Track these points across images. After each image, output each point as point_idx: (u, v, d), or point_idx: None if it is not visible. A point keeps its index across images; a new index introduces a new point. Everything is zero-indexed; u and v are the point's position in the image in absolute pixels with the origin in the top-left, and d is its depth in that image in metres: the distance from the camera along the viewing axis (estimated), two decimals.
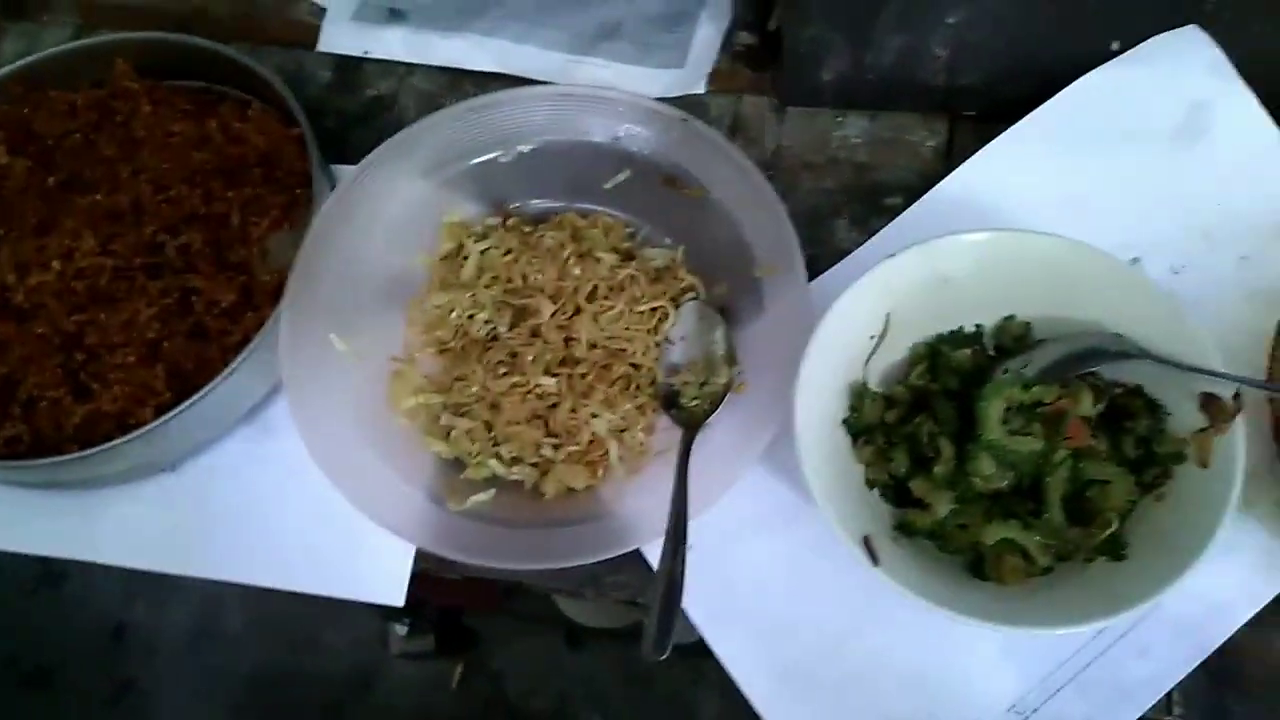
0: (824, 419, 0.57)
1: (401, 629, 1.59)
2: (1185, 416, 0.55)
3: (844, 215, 0.68)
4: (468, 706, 1.59)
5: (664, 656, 0.50)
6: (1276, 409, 0.54)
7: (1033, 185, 0.66)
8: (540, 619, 1.48)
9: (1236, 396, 0.53)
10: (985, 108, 0.68)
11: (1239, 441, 0.52)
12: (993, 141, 0.66)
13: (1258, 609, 0.56)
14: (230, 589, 0.62)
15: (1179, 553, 0.50)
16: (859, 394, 0.58)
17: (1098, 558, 0.54)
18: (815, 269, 0.66)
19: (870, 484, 0.58)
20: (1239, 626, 0.56)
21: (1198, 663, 0.55)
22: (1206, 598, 0.56)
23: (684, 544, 0.54)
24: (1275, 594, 0.56)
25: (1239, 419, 0.52)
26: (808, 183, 0.70)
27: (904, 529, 0.56)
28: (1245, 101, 0.64)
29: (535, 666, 1.54)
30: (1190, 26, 0.63)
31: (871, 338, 0.59)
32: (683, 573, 0.53)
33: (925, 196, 0.67)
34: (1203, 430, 0.53)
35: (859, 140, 0.71)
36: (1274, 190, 0.64)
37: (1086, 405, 0.56)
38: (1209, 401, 0.54)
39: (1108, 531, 0.54)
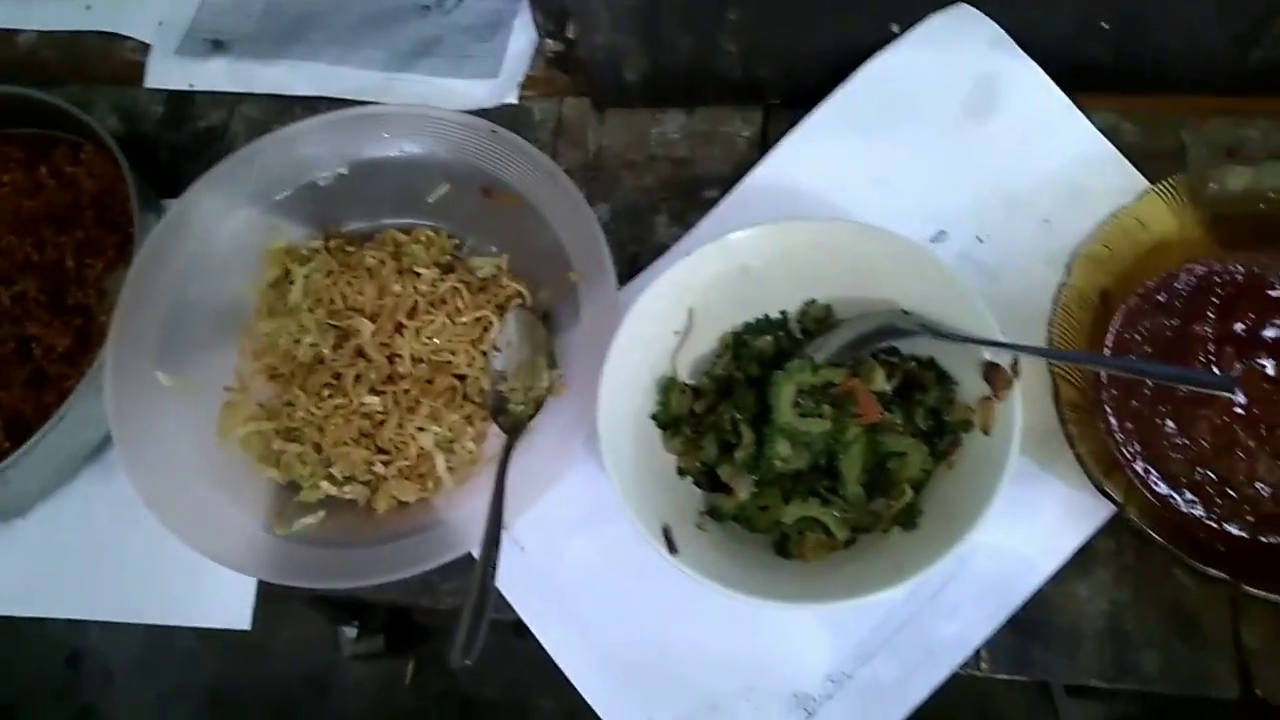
0: (633, 414, 0.59)
1: (351, 631, 1.61)
2: (972, 386, 0.56)
3: (663, 211, 0.70)
4: (422, 701, 1.62)
5: (470, 662, 0.52)
6: (1055, 375, 0.56)
7: (839, 168, 0.67)
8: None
9: (1014, 364, 0.55)
10: (790, 96, 0.69)
11: (1016, 407, 0.54)
12: (794, 129, 0.68)
13: (1060, 563, 0.58)
14: None
15: (963, 517, 0.52)
16: (666, 387, 0.60)
17: (893, 528, 0.56)
18: (638, 265, 0.68)
19: (682, 473, 0.59)
20: (1043, 581, 0.58)
21: (1005, 618, 0.57)
22: (1012, 556, 0.58)
23: (497, 549, 0.56)
24: (1076, 547, 0.58)
25: (1017, 385, 0.54)
26: (629, 181, 0.71)
27: (713, 514, 0.58)
28: (1029, 71, 0.65)
29: (485, 656, 1.56)
30: (960, 4, 0.64)
31: (676, 333, 0.61)
32: (493, 577, 0.55)
33: (737, 188, 0.68)
34: (986, 398, 0.55)
35: (677, 136, 0.72)
36: (1068, 153, 0.65)
37: (879, 381, 0.58)
38: (990, 370, 0.56)
39: (903, 502, 0.56)
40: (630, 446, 0.57)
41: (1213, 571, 0.51)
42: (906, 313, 0.58)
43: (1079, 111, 0.65)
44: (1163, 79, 0.66)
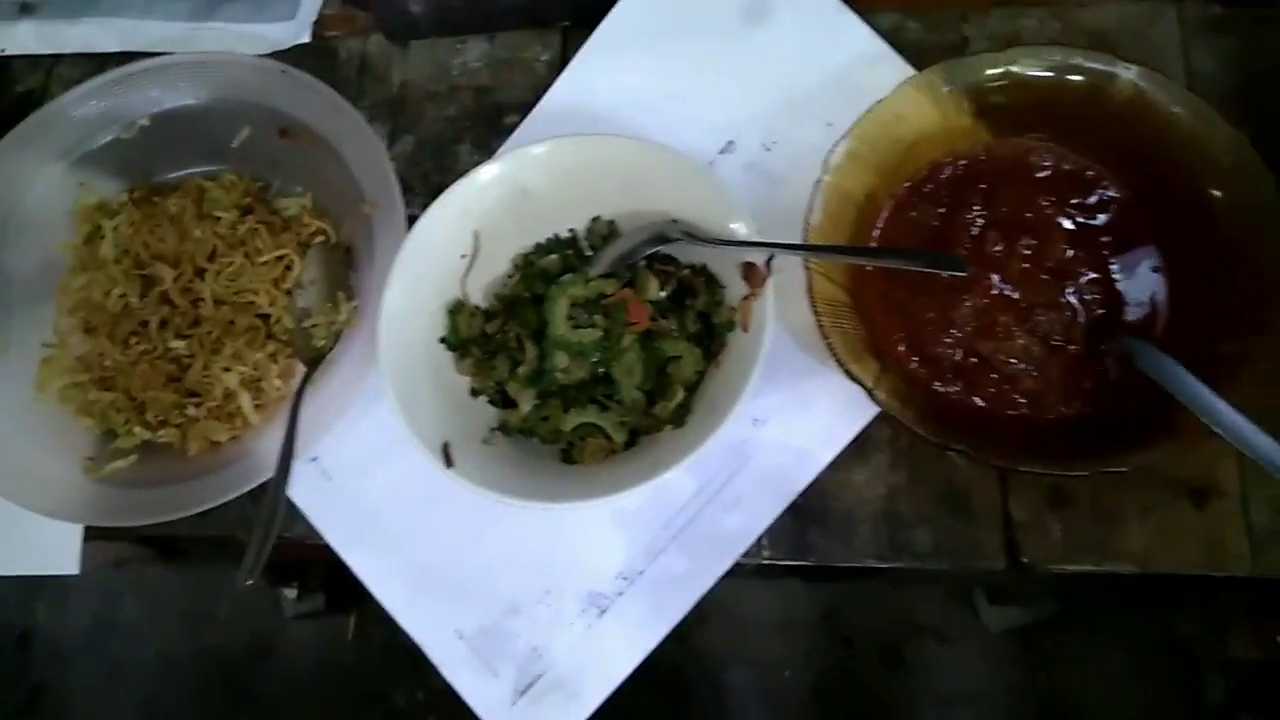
0: (423, 339, 0.61)
1: (291, 593, 1.64)
2: (737, 288, 0.58)
3: (466, 140, 0.71)
4: (367, 655, 1.65)
5: (252, 582, 0.54)
6: (810, 271, 0.57)
7: (629, 85, 0.68)
8: None
9: (768, 262, 0.56)
10: (580, 17, 0.70)
11: (768, 303, 0.56)
12: (579, 51, 0.69)
13: (837, 452, 0.60)
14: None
15: (720, 411, 0.54)
16: (454, 311, 0.61)
17: (666, 427, 0.58)
18: None
19: (476, 393, 0.61)
20: (821, 470, 0.60)
21: (784, 508, 0.60)
22: (792, 448, 0.61)
23: (286, 476, 0.58)
24: (852, 436, 0.60)
25: (769, 283, 0.56)
26: (432, 112, 0.72)
27: (503, 429, 0.60)
28: None
29: None
30: None
31: (463, 256, 0.62)
32: (281, 502, 0.57)
33: (533, 112, 0.69)
34: (746, 298, 0.57)
35: (478, 64, 0.73)
36: (844, 54, 0.67)
37: (652, 290, 0.60)
38: (748, 270, 0.57)
39: (675, 402, 0.58)
40: (418, 370, 0.59)
41: (954, 446, 0.52)
42: (675, 222, 0.60)
43: (851, 11, 0.66)
44: None
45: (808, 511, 0.60)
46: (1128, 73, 0.58)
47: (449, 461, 0.55)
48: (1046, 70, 0.60)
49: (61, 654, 1.71)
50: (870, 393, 0.54)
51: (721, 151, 0.67)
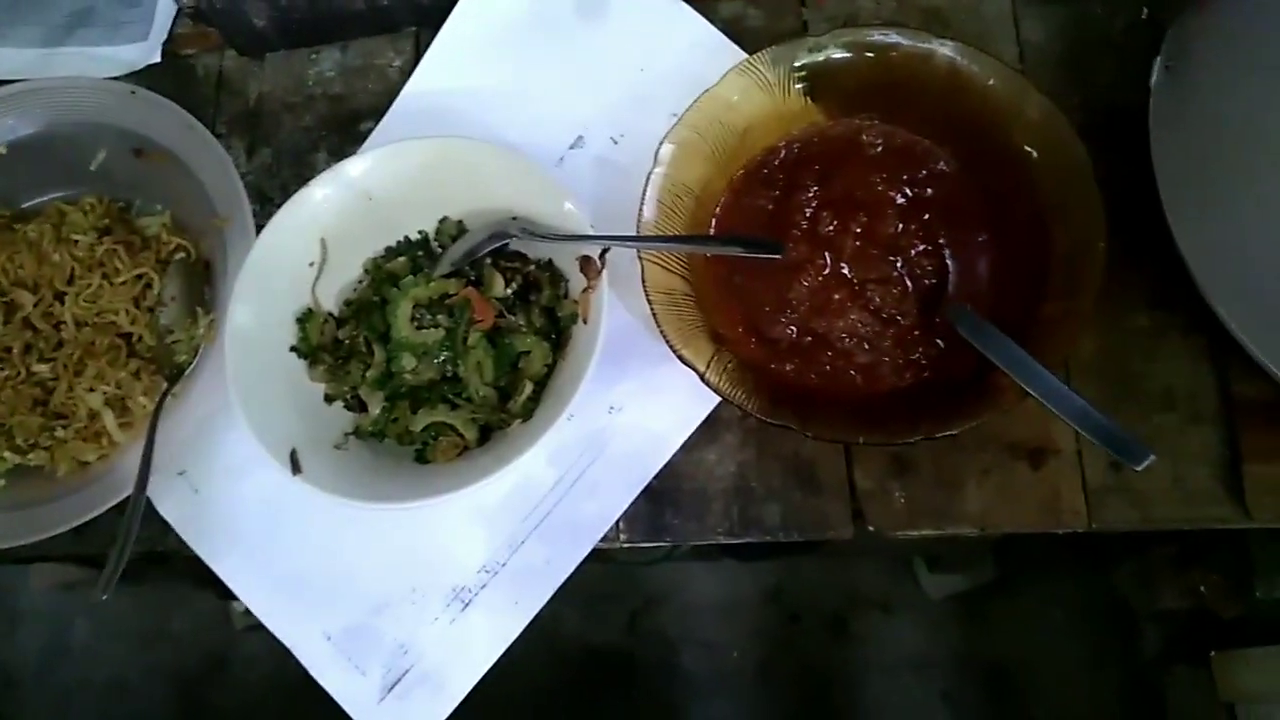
0: (272, 349, 0.61)
1: (239, 605, 1.65)
2: (580, 281, 0.59)
3: (323, 148, 0.71)
4: None
5: (106, 596, 0.55)
6: (643, 260, 0.58)
7: (477, 85, 0.69)
8: None
9: (602, 255, 0.58)
10: (425, 20, 0.71)
11: (603, 295, 0.57)
12: (425, 55, 0.70)
13: (689, 434, 0.62)
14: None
15: (562, 403, 0.55)
16: (303, 319, 0.62)
17: (515, 421, 0.59)
18: None
19: (330, 399, 0.62)
20: (674, 452, 0.61)
21: (640, 490, 0.61)
22: (646, 433, 0.62)
23: (143, 492, 0.59)
24: (703, 418, 0.62)
25: (604, 275, 0.57)
26: (289, 123, 0.72)
27: (357, 433, 0.61)
28: None
29: None
30: None
31: (311, 265, 0.63)
32: (138, 517, 0.58)
33: (385, 118, 0.70)
34: (585, 290, 0.58)
35: (333, 73, 0.73)
36: (683, 46, 0.68)
37: (497, 287, 0.61)
38: (585, 263, 0.59)
39: (523, 396, 0.59)
40: (269, 379, 0.60)
41: (781, 422, 0.54)
42: (515, 219, 0.61)
43: (684, 4, 0.67)
44: None
45: (662, 493, 0.61)
46: (943, 48, 0.60)
47: (296, 469, 0.56)
48: (868, 51, 0.61)
49: (14, 682, 1.70)
50: (702, 376, 0.55)
51: (572, 146, 0.68)
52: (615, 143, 0.68)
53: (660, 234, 0.57)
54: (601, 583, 1.57)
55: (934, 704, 1.51)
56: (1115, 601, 1.49)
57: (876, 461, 0.60)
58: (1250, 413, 0.57)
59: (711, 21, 0.70)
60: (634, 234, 0.57)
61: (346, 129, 0.72)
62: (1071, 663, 1.48)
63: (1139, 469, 0.46)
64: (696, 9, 0.69)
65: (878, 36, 0.60)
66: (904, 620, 1.55)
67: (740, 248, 0.55)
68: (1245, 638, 1.30)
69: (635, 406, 0.62)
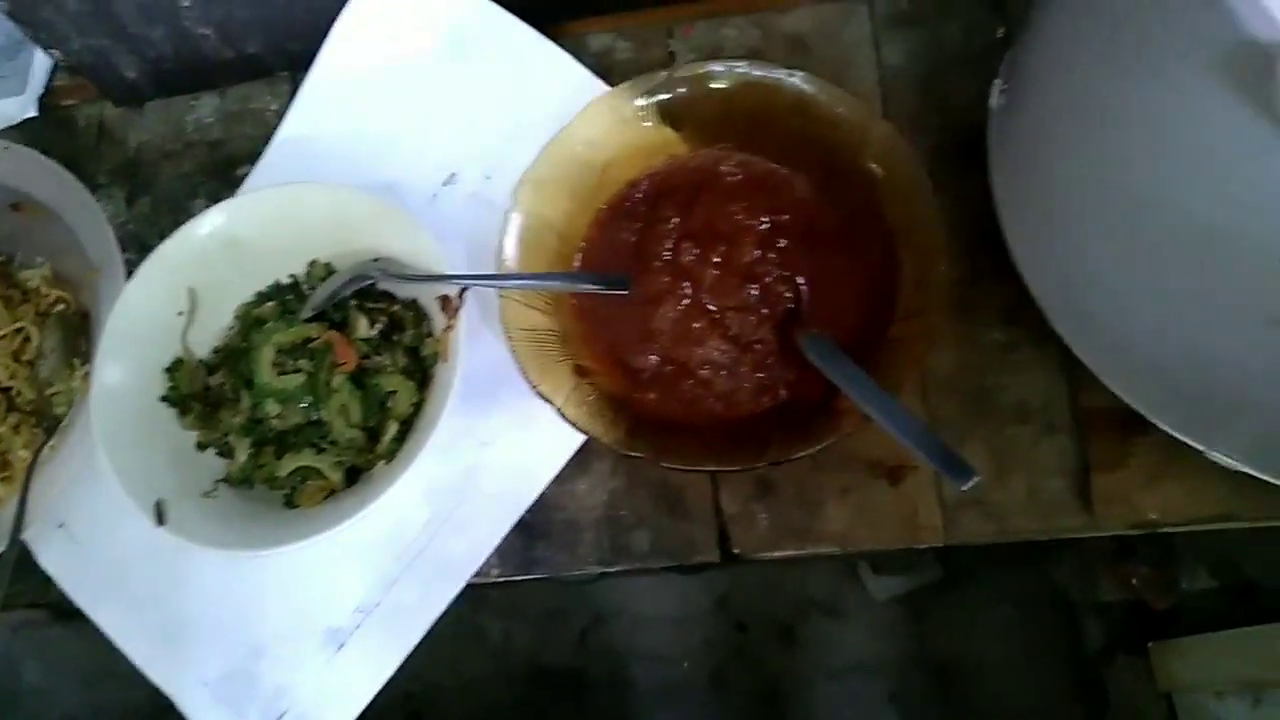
0: (141, 399, 0.62)
1: None
2: (441, 320, 0.60)
3: (201, 195, 0.72)
4: None
5: None
6: (502, 298, 0.59)
7: (349, 126, 0.70)
8: None
9: (460, 294, 0.59)
10: (296, 65, 0.71)
11: (461, 334, 0.58)
12: (294, 99, 0.70)
13: (560, 466, 0.62)
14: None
15: (421, 441, 0.56)
16: (173, 368, 0.63)
17: (380, 462, 0.60)
18: None
19: (202, 447, 0.63)
20: (546, 485, 0.62)
21: (512, 525, 0.62)
22: (517, 468, 0.63)
23: (13, 545, 0.59)
24: (574, 449, 0.62)
25: (462, 314, 0.58)
26: (168, 171, 0.73)
27: (227, 480, 0.61)
28: (488, 8, 0.68)
29: None
30: None
31: (180, 314, 0.64)
32: (8, 567, 0.58)
33: (258, 163, 0.71)
34: (446, 329, 0.59)
35: (211, 120, 0.74)
36: (550, 82, 0.69)
37: (362, 328, 0.61)
38: (445, 303, 0.59)
39: (389, 437, 0.60)
40: (137, 429, 0.60)
41: (631, 454, 0.55)
42: (376, 260, 0.62)
43: (549, 41, 0.68)
44: None
45: (535, 526, 0.62)
46: (791, 79, 0.61)
47: (161, 519, 0.56)
48: (722, 83, 0.62)
49: None
50: (558, 410, 0.56)
51: (445, 183, 0.69)
52: (488, 179, 0.69)
53: (513, 273, 0.58)
54: (550, 600, 1.58)
55: (882, 706, 1.52)
56: (1056, 595, 1.51)
57: (742, 485, 0.61)
58: (1097, 423, 0.58)
59: (582, 55, 0.71)
60: (489, 273, 0.58)
61: (224, 175, 0.72)
62: (1016, 657, 1.49)
63: (964, 489, 0.47)
64: (566, 43, 0.70)
65: (725, 69, 0.61)
66: (851, 624, 1.56)
67: (592, 285, 0.56)
68: (1180, 628, 1.32)
69: (507, 440, 0.63)
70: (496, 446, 0.63)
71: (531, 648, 1.56)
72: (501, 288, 0.57)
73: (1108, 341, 0.51)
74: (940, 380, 0.61)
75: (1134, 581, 1.37)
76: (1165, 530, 0.57)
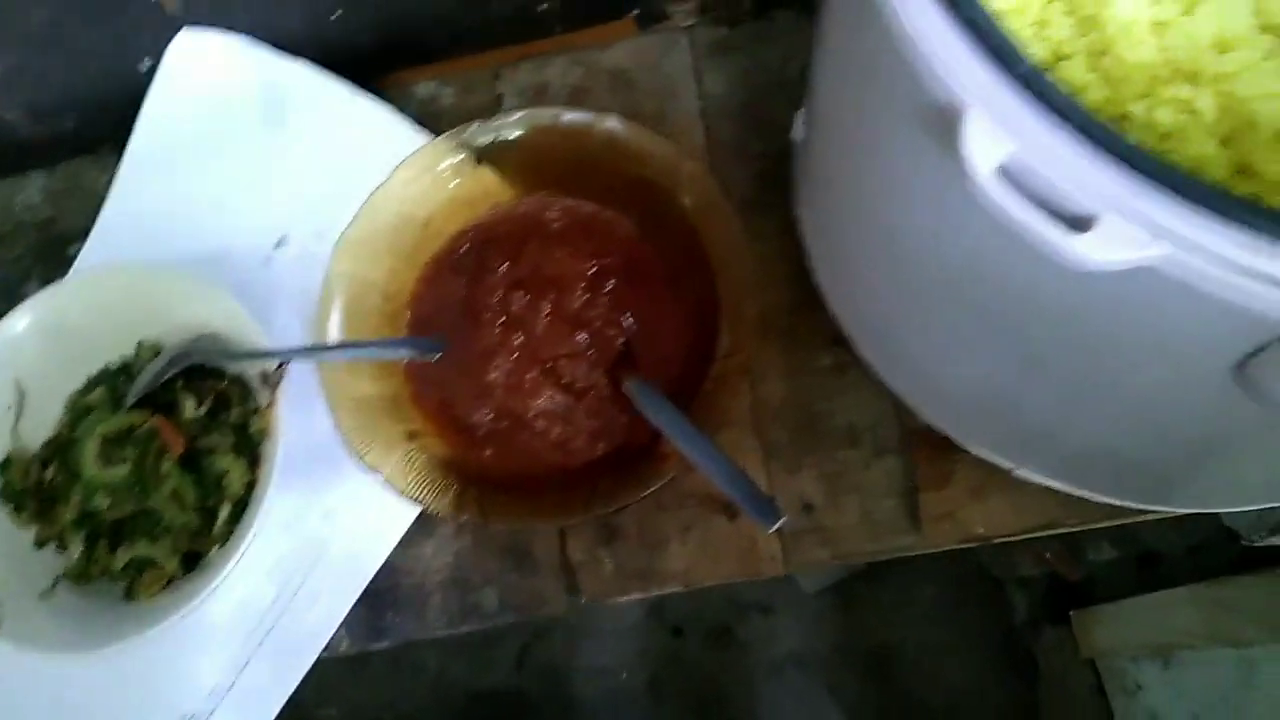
0: None
1: None
2: (265, 395, 0.60)
3: (34, 278, 0.71)
4: None
5: None
6: (320, 370, 0.59)
7: (176, 196, 0.69)
8: None
9: (278, 369, 0.58)
10: (120, 138, 0.70)
11: (282, 408, 0.57)
12: (117, 174, 0.69)
13: (404, 530, 0.62)
14: None
15: (250, 521, 0.56)
16: (3, 467, 0.61)
17: (215, 546, 0.59)
18: None
19: (41, 543, 0.62)
20: (390, 551, 0.62)
21: (360, 593, 0.61)
22: (362, 533, 0.63)
23: None
24: (416, 513, 0.62)
25: (279, 389, 0.58)
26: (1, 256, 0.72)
27: (65, 577, 0.60)
28: (300, 69, 0.68)
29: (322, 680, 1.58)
30: (186, 30, 0.66)
31: (9, 408, 0.62)
32: None
33: (88, 241, 0.70)
34: (268, 405, 0.58)
35: (40, 198, 0.73)
36: (372, 138, 0.68)
37: (189, 410, 0.61)
38: (264, 378, 0.59)
39: (222, 519, 0.59)
40: None
41: (459, 518, 0.55)
42: (197, 339, 0.61)
43: (365, 98, 0.68)
44: (473, 38, 0.69)
45: (382, 593, 0.62)
46: (602, 122, 0.61)
47: None
48: (538, 128, 0.62)
49: None
50: (383, 480, 0.56)
51: (276, 246, 0.68)
52: (319, 238, 0.68)
53: (326, 344, 0.57)
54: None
55: (822, 698, 1.54)
56: (981, 573, 1.54)
57: (587, 532, 0.61)
58: (922, 443, 0.59)
59: (408, 104, 0.71)
60: (301, 346, 0.57)
61: (57, 254, 0.71)
62: (948, 637, 1.52)
63: (770, 531, 0.48)
64: (391, 93, 0.70)
65: (527, 117, 0.61)
66: (784, 619, 1.58)
67: (408, 350, 0.56)
68: (1097, 596, 1.35)
69: (349, 509, 0.63)
70: (340, 516, 0.63)
71: (469, 673, 1.56)
72: (313, 360, 0.57)
73: (904, 370, 0.52)
74: (772, 409, 0.62)
75: (1047, 555, 1.40)
76: (995, 541, 0.58)
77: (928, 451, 0.59)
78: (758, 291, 0.56)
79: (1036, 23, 0.47)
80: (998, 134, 0.31)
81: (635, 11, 0.69)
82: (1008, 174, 0.31)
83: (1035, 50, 0.47)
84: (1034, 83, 0.31)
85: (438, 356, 0.56)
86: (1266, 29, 0.44)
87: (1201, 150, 0.43)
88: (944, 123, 0.33)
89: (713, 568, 0.60)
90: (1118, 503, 0.52)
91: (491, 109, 0.70)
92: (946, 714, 1.51)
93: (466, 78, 0.71)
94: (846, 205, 0.49)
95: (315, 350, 0.57)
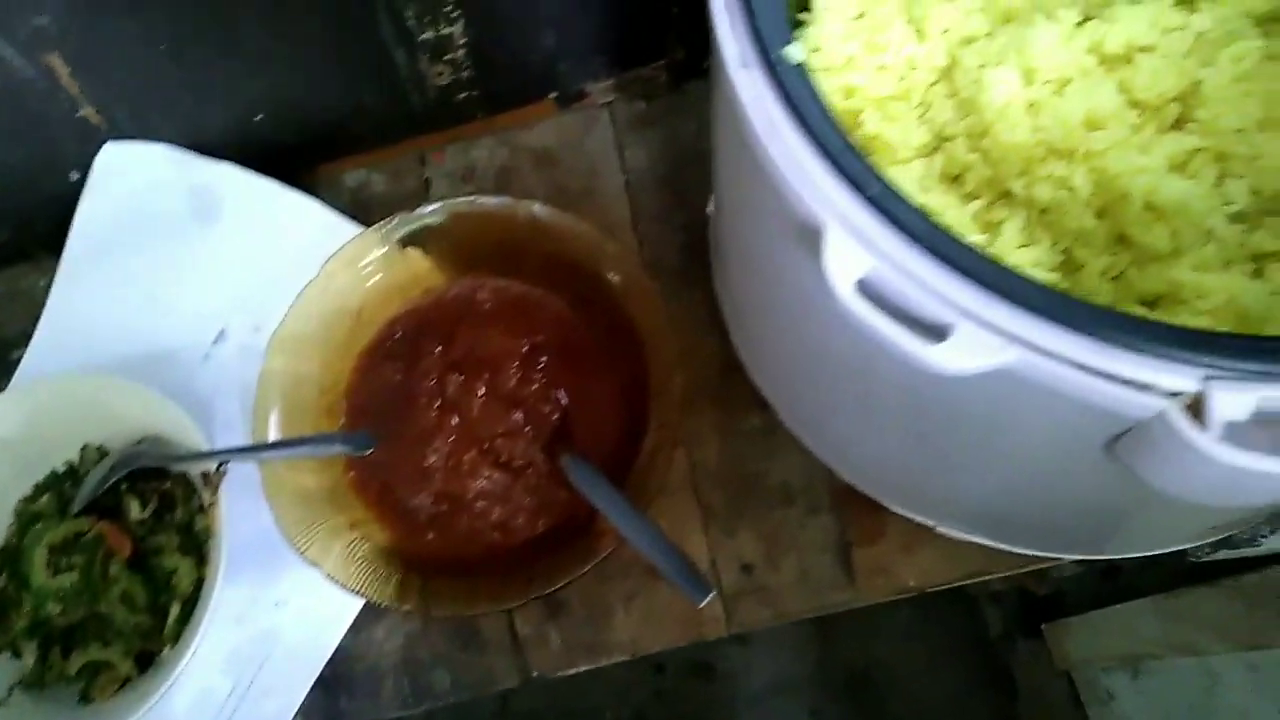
0: None
1: None
2: (209, 495, 0.61)
3: None
4: None
5: None
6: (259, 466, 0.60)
7: (115, 297, 0.70)
8: None
9: (218, 469, 0.59)
10: (54, 245, 0.71)
11: (223, 507, 0.58)
12: (55, 277, 0.70)
13: (354, 615, 0.63)
14: None
15: (199, 619, 0.57)
16: None
17: (168, 645, 0.60)
18: None
19: None
20: (343, 635, 0.63)
21: (314, 680, 0.62)
22: (313, 621, 0.64)
23: None
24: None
25: (220, 488, 0.59)
26: None
27: (21, 685, 0.61)
28: (225, 169, 0.69)
29: None
30: (108, 144, 0.68)
31: None
32: None
33: (29, 346, 0.71)
34: (210, 505, 0.60)
35: None
36: (303, 230, 0.70)
37: (135, 512, 0.62)
38: (205, 479, 0.60)
39: (172, 618, 0.60)
40: None
41: (401, 608, 0.56)
42: (139, 443, 0.62)
43: (295, 191, 0.69)
44: (398, 128, 0.71)
45: (336, 679, 0.63)
46: (523, 207, 0.63)
47: None
48: (463, 214, 0.64)
49: None
50: (326, 574, 0.57)
51: (215, 342, 0.70)
52: (257, 330, 0.69)
53: (260, 444, 0.59)
54: None
55: None
56: (954, 589, 1.54)
57: (534, 607, 0.63)
58: (853, 500, 0.61)
59: (339, 192, 0.72)
60: (235, 447, 0.59)
61: (1, 361, 0.72)
62: (924, 654, 1.53)
63: (700, 605, 0.49)
64: (321, 183, 0.72)
65: (442, 207, 0.63)
66: (762, 647, 1.59)
67: (340, 447, 0.57)
68: (1067, 609, 1.37)
69: (300, 598, 0.64)
70: (291, 605, 0.64)
71: None
72: (249, 460, 0.58)
73: (817, 439, 0.54)
74: (708, 473, 0.63)
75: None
76: (929, 591, 0.60)
77: (858, 509, 0.61)
78: (689, 360, 0.58)
79: (921, 105, 0.50)
80: (856, 251, 0.33)
81: (553, 94, 0.71)
82: (867, 288, 0.33)
83: (920, 134, 0.49)
84: (884, 204, 0.33)
85: (369, 451, 0.57)
86: (1133, 104, 0.47)
87: (1080, 223, 0.46)
88: (809, 238, 0.35)
89: (658, 635, 0.61)
90: (1035, 553, 0.54)
91: (421, 194, 0.72)
92: None
93: (395, 164, 0.73)
94: (748, 290, 0.51)
95: (250, 450, 0.58)
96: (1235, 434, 0.30)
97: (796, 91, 0.35)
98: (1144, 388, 0.31)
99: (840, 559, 0.61)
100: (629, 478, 0.60)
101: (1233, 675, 0.98)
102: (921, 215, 0.33)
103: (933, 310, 0.33)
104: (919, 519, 0.55)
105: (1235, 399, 0.31)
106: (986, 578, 0.60)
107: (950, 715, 1.53)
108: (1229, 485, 0.30)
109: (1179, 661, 1.10)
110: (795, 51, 0.36)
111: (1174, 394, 0.32)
